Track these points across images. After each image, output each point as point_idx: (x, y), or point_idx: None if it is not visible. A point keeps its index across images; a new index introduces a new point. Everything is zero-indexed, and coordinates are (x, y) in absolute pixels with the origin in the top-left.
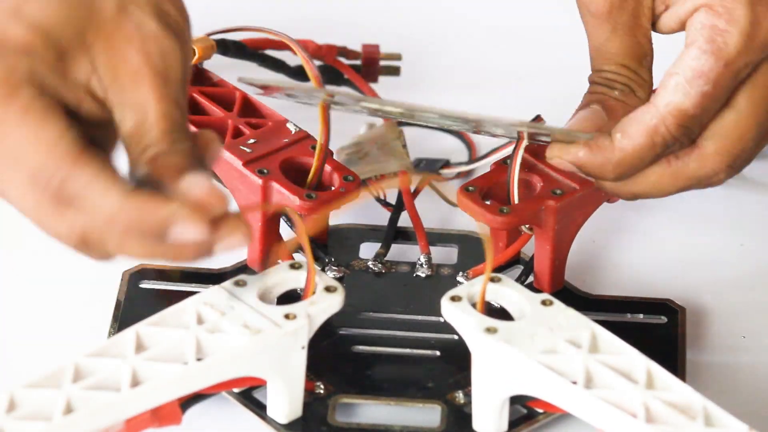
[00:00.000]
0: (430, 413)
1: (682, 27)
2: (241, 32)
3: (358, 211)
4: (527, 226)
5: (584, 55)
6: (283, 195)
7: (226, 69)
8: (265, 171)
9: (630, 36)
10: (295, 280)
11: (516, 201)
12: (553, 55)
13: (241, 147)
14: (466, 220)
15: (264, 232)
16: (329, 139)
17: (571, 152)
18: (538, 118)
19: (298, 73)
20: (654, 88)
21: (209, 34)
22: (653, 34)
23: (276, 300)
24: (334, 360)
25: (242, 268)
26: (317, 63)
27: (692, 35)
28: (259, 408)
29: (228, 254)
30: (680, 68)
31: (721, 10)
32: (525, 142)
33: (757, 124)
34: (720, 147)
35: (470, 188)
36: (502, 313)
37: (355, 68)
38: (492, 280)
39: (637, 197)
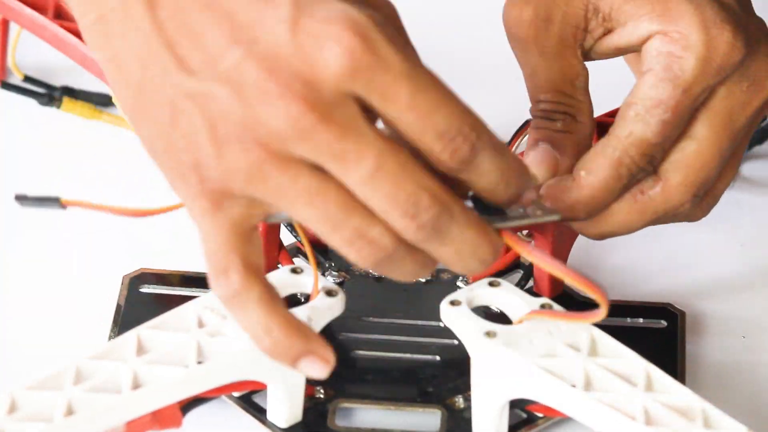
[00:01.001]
0: (430, 418)
1: (620, 53)
2: None
3: None
4: (526, 232)
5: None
6: None
7: None
8: None
9: (559, 59)
10: (296, 284)
11: None
12: None
13: None
14: None
15: (265, 237)
16: None
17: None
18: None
19: None
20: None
21: None
22: None
23: None
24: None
25: None
26: None
27: (648, 62)
28: (259, 412)
29: None
30: (638, 97)
31: (676, 36)
32: (522, 139)
33: (719, 150)
34: (683, 178)
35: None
36: (502, 318)
37: None
38: (492, 284)
39: (604, 236)
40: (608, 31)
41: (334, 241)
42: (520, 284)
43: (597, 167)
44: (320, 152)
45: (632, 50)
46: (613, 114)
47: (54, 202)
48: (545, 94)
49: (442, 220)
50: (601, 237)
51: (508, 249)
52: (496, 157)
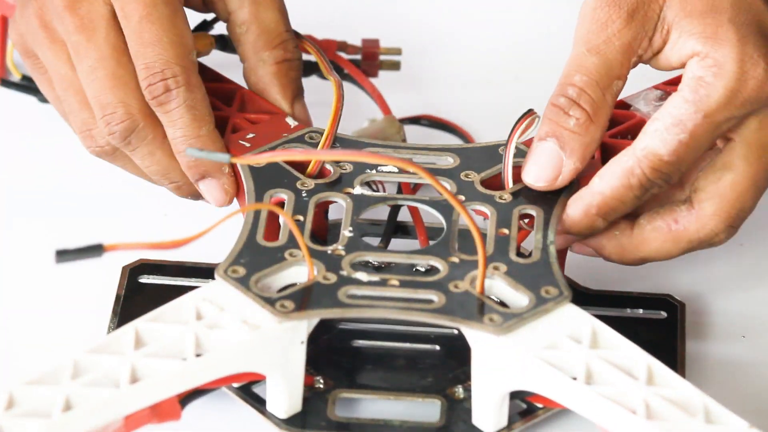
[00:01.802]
0: (430, 408)
1: (669, 68)
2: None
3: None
4: (526, 221)
5: None
6: None
7: (225, 65)
8: None
9: (614, 57)
10: (295, 274)
11: (510, 186)
12: (552, 51)
13: (240, 141)
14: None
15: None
16: (335, 133)
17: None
18: (530, 113)
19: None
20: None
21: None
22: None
23: (275, 293)
24: (333, 355)
25: None
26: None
27: (682, 82)
28: (258, 403)
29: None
30: (662, 114)
31: (710, 62)
32: (520, 130)
33: (754, 182)
34: (718, 208)
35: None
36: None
37: (355, 63)
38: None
39: (644, 261)
40: (664, 43)
41: (71, 125)
42: None
43: (610, 174)
44: (65, 37)
45: (678, 67)
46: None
47: (96, 250)
48: (578, 85)
49: (132, 136)
50: (641, 261)
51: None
52: (185, 115)
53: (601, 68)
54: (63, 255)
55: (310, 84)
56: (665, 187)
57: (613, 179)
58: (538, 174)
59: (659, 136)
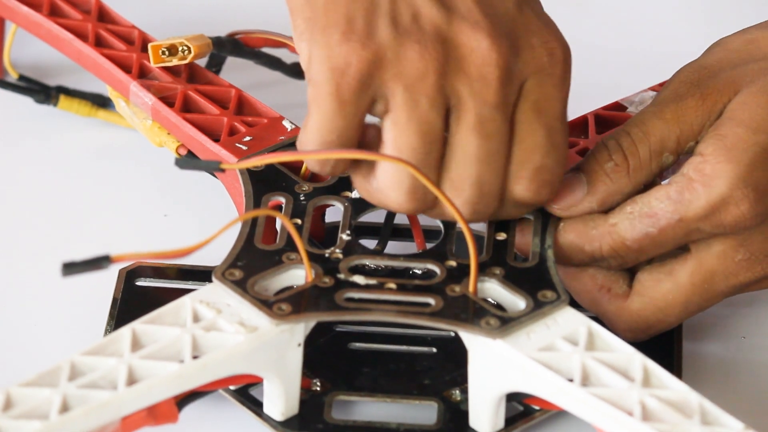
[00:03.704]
0: (427, 410)
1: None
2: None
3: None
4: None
5: (586, 53)
6: None
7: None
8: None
9: (677, 127)
10: (292, 277)
11: None
12: None
13: (237, 144)
14: None
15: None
16: None
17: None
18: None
19: (296, 71)
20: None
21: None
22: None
23: (272, 296)
24: (330, 357)
25: None
26: None
27: (676, 175)
28: (255, 405)
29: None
30: (642, 200)
31: (707, 170)
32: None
33: (686, 303)
34: (641, 310)
35: None
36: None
37: None
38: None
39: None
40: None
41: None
42: None
43: (573, 229)
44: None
45: (688, 153)
46: (609, 107)
47: (103, 262)
48: (633, 138)
49: None
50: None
51: None
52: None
53: (660, 135)
54: (69, 268)
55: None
56: (616, 269)
57: (572, 235)
58: (557, 197)
59: (630, 221)
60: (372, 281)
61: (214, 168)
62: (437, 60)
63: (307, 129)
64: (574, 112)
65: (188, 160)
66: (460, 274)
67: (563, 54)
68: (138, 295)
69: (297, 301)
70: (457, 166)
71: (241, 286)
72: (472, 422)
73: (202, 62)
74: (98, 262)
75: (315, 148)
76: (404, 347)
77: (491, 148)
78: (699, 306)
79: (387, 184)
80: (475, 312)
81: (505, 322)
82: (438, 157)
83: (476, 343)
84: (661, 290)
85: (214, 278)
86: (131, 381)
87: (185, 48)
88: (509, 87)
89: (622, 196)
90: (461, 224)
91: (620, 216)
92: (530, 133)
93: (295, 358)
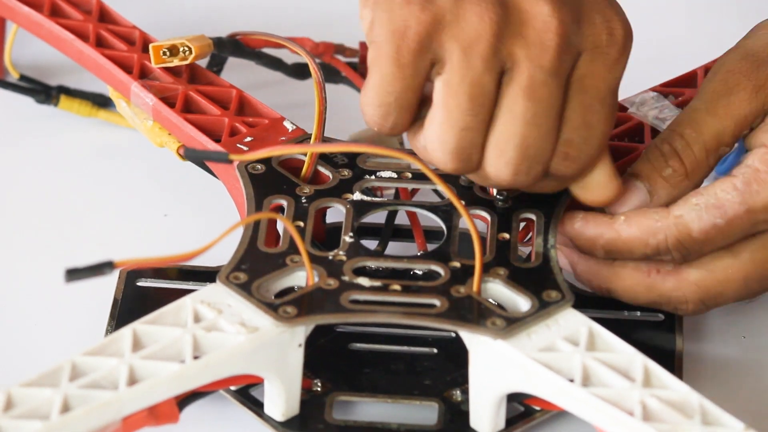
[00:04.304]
0: (428, 411)
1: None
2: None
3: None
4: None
5: None
6: None
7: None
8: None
9: (731, 122)
10: (296, 280)
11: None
12: None
13: (238, 145)
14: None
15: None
16: (322, 134)
17: (567, 224)
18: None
19: (297, 72)
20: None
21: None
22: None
23: (273, 297)
24: (331, 358)
25: None
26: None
27: (740, 167)
28: (256, 406)
29: (225, 252)
30: (708, 192)
31: None
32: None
33: (746, 279)
34: (701, 280)
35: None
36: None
37: (352, 66)
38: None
39: (609, 294)
40: (751, 129)
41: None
42: None
43: (635, 222)
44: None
45: (748, 149)
46: None
47: (106, 268)
48: (686, 139)
49: None
50: (604, 293)
51: None
52: None
53: (713, 131)
54: (73, 274)
55: (308, 86)
56: (679, 262)
57: (634, 228)
58: (620, 204)
59: (696, 212)
60: (377, 283)
61: (222, 159)
62: (496, 22)
63: (366, 90)
64: None
65: (196, 150)
66: (464, 275)
67: (624, 37)
68: (139, 296)
69: (302, 304)
70: (503, 126)
71: (245, 289)
72: (473, 423)
73: (203, 63)
74: (101, 268)
75: (374, 109)
76: (405, 348)
77: (539, 111)
78: (760, 284)
79: (433, 144)
80: (480, 313)
81: (510, 322)
82: (486, 119)
83: (477, 344)
84: (720, 264)
85: (218, 281)
86: (132, 381)
87: (186, 48)
88: (565, 56)
89: (678, 196)
90: (468, 223)
91: (685, 208)
92: (564, 106)
93: (295, 358)
